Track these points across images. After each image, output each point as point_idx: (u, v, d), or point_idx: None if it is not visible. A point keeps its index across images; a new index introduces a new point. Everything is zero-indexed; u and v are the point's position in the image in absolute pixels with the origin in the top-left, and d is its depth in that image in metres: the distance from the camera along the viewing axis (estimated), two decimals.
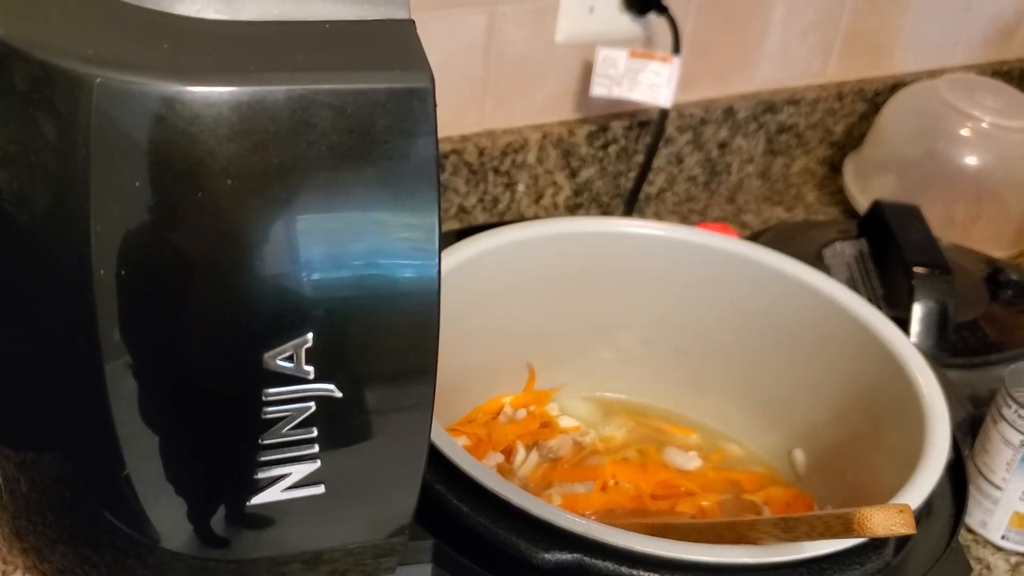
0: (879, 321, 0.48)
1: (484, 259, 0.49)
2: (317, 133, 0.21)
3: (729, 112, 0.81)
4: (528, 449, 0.51)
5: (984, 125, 0.78)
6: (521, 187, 0.74)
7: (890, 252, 0.65)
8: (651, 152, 0.75)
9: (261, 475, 0.24)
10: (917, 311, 0.61)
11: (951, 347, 0.61)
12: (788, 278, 0.51)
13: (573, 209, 0.77)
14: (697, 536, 0.38)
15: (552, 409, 0.54)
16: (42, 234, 0.22)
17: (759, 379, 0.53)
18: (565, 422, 0.53)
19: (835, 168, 0.90)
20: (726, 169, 0.84)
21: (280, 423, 0.23)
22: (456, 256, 0.48)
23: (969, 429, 0.52)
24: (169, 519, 0.25)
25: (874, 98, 0.89)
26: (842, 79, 0.88)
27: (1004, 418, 0.51)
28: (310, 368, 0.23)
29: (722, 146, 0.83)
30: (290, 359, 0.23)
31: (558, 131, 0.73)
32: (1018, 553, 0.53)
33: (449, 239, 0.50)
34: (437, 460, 0.37)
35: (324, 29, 0.22)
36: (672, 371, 0.55)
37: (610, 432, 0.53)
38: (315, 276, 0.22)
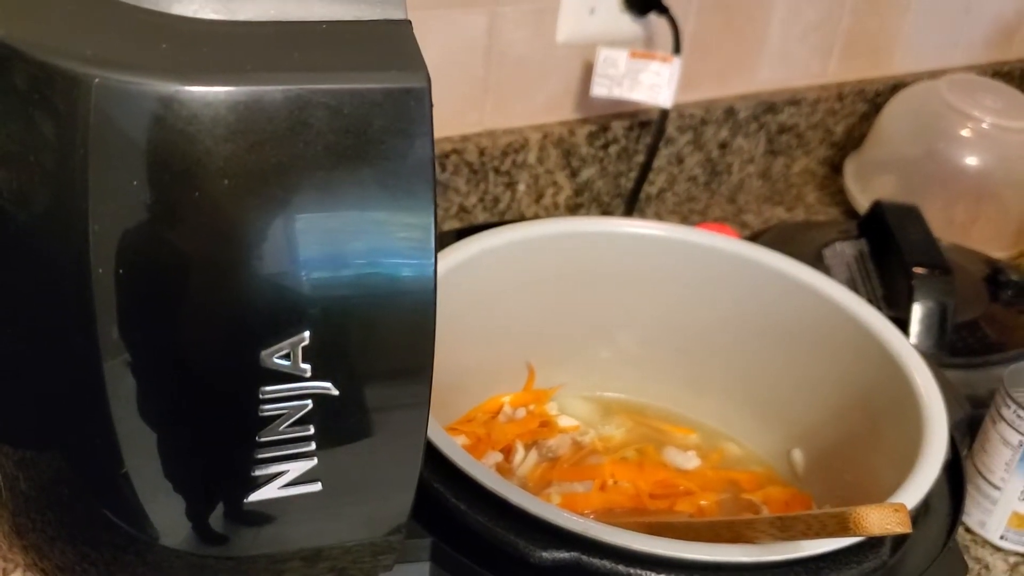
0: (878, 321, 0.48)
1: (484, 258, 0.50)
2: (314, 133, 0.21)
3: (730, 112, 0.81)
4: (527, 448, 0.51)
5: (984, 126, 0.78)
6: (522, 187, 0.74)
7: (890, 252, 0.65)
8: (651, 152, 0.75)
9: (258, 472, 0.24)
10: (917, 311, 0.61)
11: (951, 347, 0.61)
12: (788, 278, 0.51)
13: (574, 209, 0.77)
14: (694, 535, 0.38)
15: (551, 408, 0.54)
16: (41, 233, 0.22)
17: (758, 379, 0.53)
18: (564, 421, 0.53)
19: (836, 168, 0.90)
20: (727, 169, 0.84)
21: (277, 421, 0.24)
22: (456, 255, 0.48)
23: (968, 429, 0.52)
24: (168, 516, 0.25)
25: (875, 98, 0.89)
26: (843, 79, 0.88)
27: (1003, 418, 0.51)
28: (307, 366, 0.23)
29: (723, 146, 0.83)
30: (287, 357, 0.23)
31: (559, 131, 0.73)
32: (1017, 553, 0.53)
33: (449, 238, 0.50)
34: (436, 459, 0.37)
35: (321, 29, 0.22)
36: (671, 371, 0.55)
37: (609, 431, 0.53)
38: (312, 275, 0.22)
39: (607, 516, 0.47)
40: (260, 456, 0.24)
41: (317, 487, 0.25)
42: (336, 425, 0.24)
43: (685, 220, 0.81)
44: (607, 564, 0.34)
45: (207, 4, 0.22)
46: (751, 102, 0.82)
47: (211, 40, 0.21)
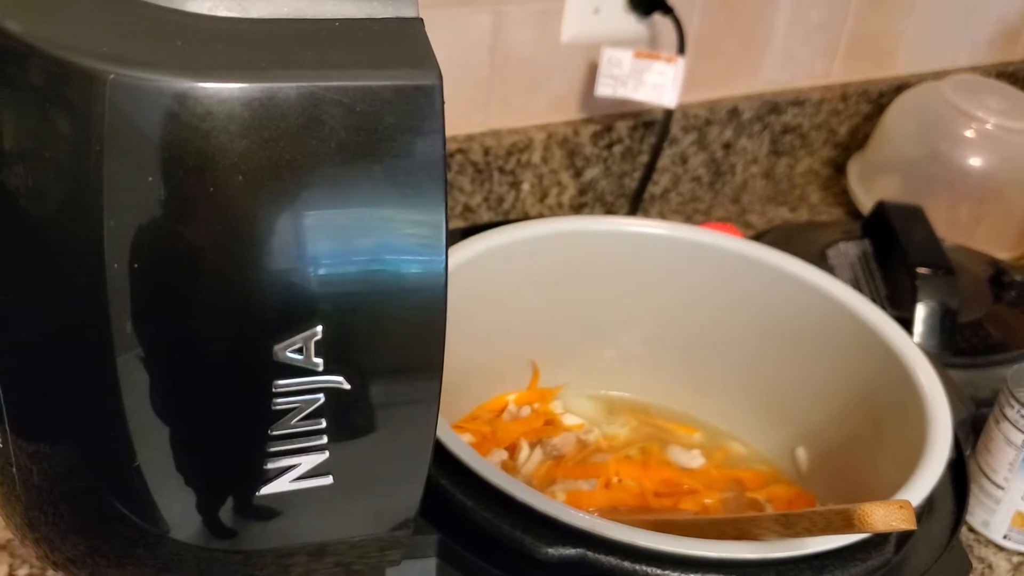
0: (882, 321, 0.48)
1: (488, 257, 0.50)
2: (327, 130, 0.21)
3: (734, 113, 0.81)
4: (532, 446, 0.51)
5: (988, 126, 0.79)
6: (526, 186, 0.74)
7: (894, 253, 0.65)
8: (656, 152, 0.75)
9: (270, 465, 0.24)
10: (920, 311, 0.61)
11: (954, 347, 0.61)
12: (792, 278, 0.51)
13: (578, 208, 0.78)
14: (699, 532, 0.38)
15: (556, 407, 0.54)
16: (56, 228, 0.22)
17: (762, 378, 0.53)
18: (569, 420, 0.54)
19: (839, 169, 0.90)
20: (730, 169, 0.85)
21: (289, 414, 0.24)
22: (461, 254, 0.48)
23: (971, 429, 0.52)
24: (179, 510, 0.25)
25: (878, 99, 0.89)
26: (847, 80, 0.88)
27: (1007, 418, 0.51)
28: (319, 360, 0.23)
29: (726, 146, 0.83)
30: (300, 351, 0.23)
31: (563, 131, 0.73)
32: (1020, 553, 0.53)
33: (454, 237, 0.50)
34: (442, 456, 0.37)
35: (334, 27, 0.23)
36: (675, 370, 0.55)
37: (613, 430, 0.54)
38: (324, 270, 0.22)
39: (611, 514, 0.47)
40: (272, 449, 0.24)
41: (328, 480, 0.25)
42: (347, 419, 0.24)
43: (689, 220, 0.81)
44: (613, 560, 0.35)
45: (222, 2, 0.22)
46: (755, 102, 0.82)
47: (225, 37, 0.22)
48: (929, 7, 0.89)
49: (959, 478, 0.43)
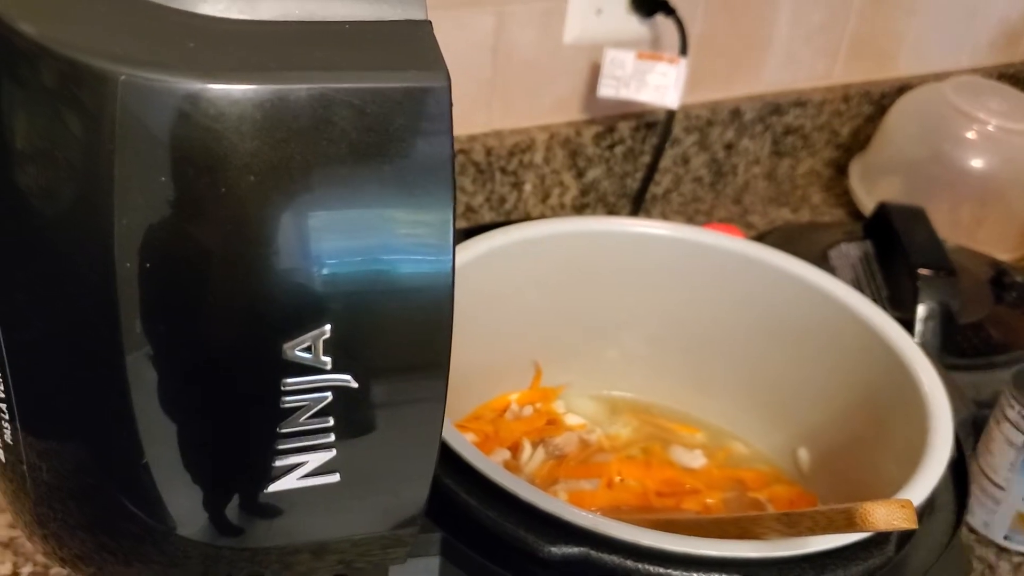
0: (883, 321, 0.48)
1: (491, 258, 0.50)
2: (337, 131, 0.22)
3: (736, 113, 0.82)
4: (534, 446, 0.51)
5: (990, 128, 0.79)
6: (528, 187, 0.74)
7: (895, 254, 0.66)
8: (657, 153, 0.75)
9: (278, 463, 0.25)
10: (921, 312, 0.61)
11: (955, 348, 0.61)
12: (793, 279, 0.51)
13: (580, 209, 0.78)
14: (701, 531, 0.38)
15: (558, 407, 0.55)
16: (68, 228, 0.22)
17: (764, 378, 0.53)
18: (571, 420, 0.54)
19: (841, 170, 0.90)
20: (732, 170, 0.85)
21: (298, 412, 0.24)
22: (463, 254, 0.49)
23: (972, 429, 0.52)
24: (186, 507, 0.25)
25: (880, 100, 0.90)
26: (848, 81, 0.89)
27: (1008, 419, 0.51)
28: (328, 359, 0.23)
29: (728, 147, 0.83)
30: (308, 350, 0.23)
31: (565, 131, 0.73)
32: (1021, 553, 0.53)
33: (456, 238, 0.50)
34: (446, 454, 0.37)
35: (344, 29, 0.23)
36: (677, 370, 0.55)
37: (616, 430, 0.54)
38: (333, 270, 0.23)
39: (614, 513, 0.47)
40: (280, 447, 0.24)
41: (335, 478, 0.25)
42: (355, 417, 0.25)
43: (691, 221, 0.81)
44: (615, 559, 0.35)
45: (233, 4, 0.22)
46: (757, 103, 0.82)
47: (237, 39, 0.22)
48: (931, 9, 0.89)
49: (960, 478, 0.43)
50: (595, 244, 0.53)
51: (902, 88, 0.89)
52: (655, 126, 0.77)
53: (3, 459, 0.26)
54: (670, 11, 0.71)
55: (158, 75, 0.21)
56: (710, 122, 0.80)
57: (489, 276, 0.50)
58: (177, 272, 0.22)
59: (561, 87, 0.73)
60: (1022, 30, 0.97)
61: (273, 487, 0.25)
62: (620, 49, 0.71)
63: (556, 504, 0.36)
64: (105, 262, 0.22)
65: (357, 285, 0.23)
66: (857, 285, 0.64)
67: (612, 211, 0.79)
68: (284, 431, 0.24)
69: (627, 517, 0.38)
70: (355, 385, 0.24)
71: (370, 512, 0.27)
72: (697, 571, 0.35)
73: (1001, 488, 0.52)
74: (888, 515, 0.31)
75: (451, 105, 0.23)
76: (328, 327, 0.23)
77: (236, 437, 0.25)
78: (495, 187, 0.72)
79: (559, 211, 0.76)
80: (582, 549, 0.35)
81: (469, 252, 0.49)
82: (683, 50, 0.71)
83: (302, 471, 0.25)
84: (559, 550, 0.35)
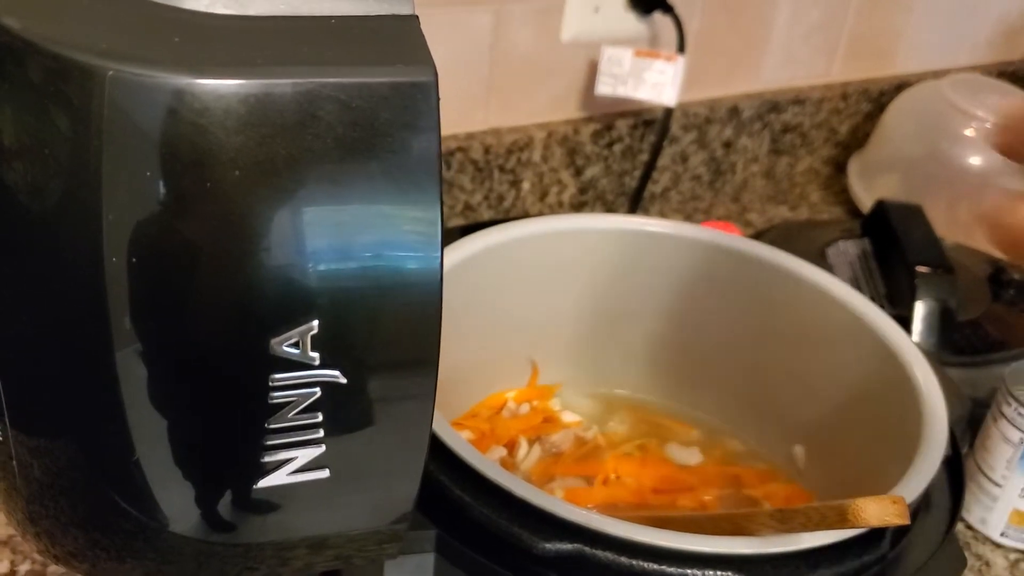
0: (880, 319, 0.48)
1: (488, 255, 0.50)
2: (323, 126, 0.22)
3: (734, 111, 0.82)
4: (531, 443, 0.51)
5: (988, 126, 0.79)
6: (526, 185, 0.74)
7: (893, 251, 0.65)
8: (656, 151, 0.75)
9: (267, 459, 0.25)
10: (919, 310, 0.61)
11: (953, 346, 0.61)
12: (791, 276, 0.51)
13: (578, 207, 0.78)
14: (695, 528, 0.38)
15: (554, 404, 0.55)
16: (55, 223, 0.22)
17: (760, 376, 0.53)
18: (567, 417, 0.54)
19: (839, 168, 0.90)
20: (730, 168, 0.85)
21: (286, 408, 0.24)
22: (461, 252, 0.49)
23: (969, 426, 0.52)
24: (178, 503, 0.25)
25: (879, 98, 0.89)
26: (847, 79, 0.89)
27: (1004, 416, 0.51)
28: (316, 354, 0.23)
29: (727, 145, 0.83)
30: (296, 345, 0.23)
31: (563, 129, 0.73)
32: (1017, 550, 0.53)
33: (454, 235, 0.50)
34: (441, 452, 0.37)
35: (330, 24, 0.23)
36: (674, 368, 0.55)
37: (612, 427, 0.54)
38: (320, 265, 0.23)
39: (609, 510, 0.47)
40: (269, 443, 0.24)
41: (325, 474, 0.25)
42: (344, 413, 0.25)
43: (689, 219, 0.81)
44: (609, 555, 0.35)
45: None
46: (755, 101, 0.82)
47: (223, 34, 0.22)
48: (929, 6, 0.89)
49: (955, 475, 0.43)
50: (593, 242, 0.53)
51: (900, 86, 0.89)
52: (653, 124, 0.77)
53: None
54: (668, 9, 0.71)
55: (145, 70, 0.21)
56: (708, 120, 0.80)
57: (486, 274, 0.50)
58: (165, 268, 0.22)
59: (559, 85, 0.73)
60: (1020, 27, 0.97)
61: (263, 483, 0.25)
62: (618, 47, 0.71)
63: (550, 501, 0.36)
64: (93, 258, 0.22)
65: (344, 281, 0.23)
66: (855, 283, 0.64)
67: (610, 209, 0.79)
68: (273, 427, 0.24)
69: (623, 514, 0.38)
70: (343, 381, 0.24)
71: (361, 508, 0.27)
72: (691, 567, 0.34)
73: (998, 485, 0.52)
74: (880, 511, 0.31)
75: (438, 100, 0.23)
76: (316, 323, 0.23)
77: (226, 433, 0.25)
78: (493, 185, 0.72)
79: (557, 209, 0.76)
80: (576, 546, 0.35)
81: (466, 250, 0.49)
82: (681, 48, 0.71)
83: (292, 467, 0.25)
84: (553, 547, 0.35)
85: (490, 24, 0.68)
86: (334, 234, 0.23)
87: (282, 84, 0.21)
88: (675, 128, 0.78)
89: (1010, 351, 0.61)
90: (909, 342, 0.47)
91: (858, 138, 0.90)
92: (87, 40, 0.21)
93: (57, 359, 0.24)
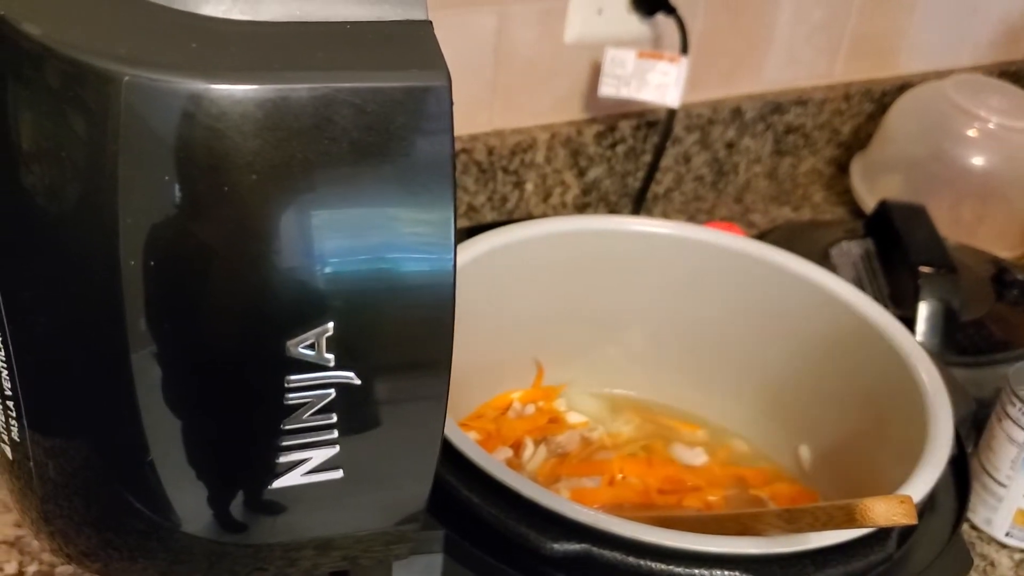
0: (884, 319, 0.49)
1: (493, 257, 0.50)
2: (339, 130, 0.22)
3: (737, 112, 0.82)
4: (536, 444, 0.51)
5: (991, 126, 0.79)
6: (530, 186, 0.74)
7: (896, 252, 0.66)
8: (659, 152, 0.76)
9: (282, 460, 0.25)
10: (922, 310, 0.61)
11: (956, 346, 0.61)
12: (795, 277, 0.51)
13: (581, 208, 0.78)
14: (702, 528, 0.38)
15: (560, 405, 0.55)
16: (73, 227, 0.22)
17: (765, 376, 0.53)
18: (573, 418, 0.54)
19: (842, 168, 0.91)
20: (733, 169, 0.85)
21: (301, 409, 0.24)
22: (465, 253, 0.49)
23: (973, 426, 0.52)
24: (191, 503, 0.26)
25: (881, 99, 0.90)
26: (849, 80, 0.89)
27: (1008, 416, 0.51)
28: (330, 356, 0.24)
29: (729, 146, 0.83)
30: (311, 347, 0.23)
31: (566, 131, 0.74)
32: (1022, 550, 0.53)
33: (458, 237, 0.50)
34: (448, 452, 0.37)
35: (345, 29, 0.23)
36: (679, 368, 0.56)
37: (617, 428, 0.54)
38: (335, 268, 0.23)
39: (615, 511, 0.47)
40: (284, 444, 0.25)
41: (339, 474, 0.26)
42: (358, 414, 0.25)
43: (692, 219, 0.82)
44: (617, 556, 0.35)
45: (235, 5, 0.22)
46: (758, 102, 0.83)
47: (239, 40, 0.22)
48: (931, 6, 0.89)
49: (961, 475, 0.43)
50: (597, 243, 0.53)
51: (903, 86, 0.89)
52: (656, 125, 0.77)
53: (10, 456, 0.26)
54: (671, 10, 0.71)
55: (161, 75, 0.21)
56: (711, 121, 0.80)
57: (491, 275, 0.50)
58: (181, 270, 0.22)
59: (562, 86, 0.73)
60: (1022, 28, 0.97)
61: (277, 483, 0.25)
62: (621, 48, 0.71)
63: (558, 501, 0.36)
64: (110, 261, 0.22)
65: (359, 283, 0.23)
66: (858, 283, 0.64)
67: (614, 210, 0.79)
68: (288, 428, 0.24)
69: (629, 514, 0.38)
70: (358, 382, 0.24)
71: (372, 508, 0.28)
72: (698, 567, 0.35)
73: (1003, 485, 0.52)
74: (887, 511, 0.31)
75: (451, 104, 0.23)
76: (331, 324, 0.23)
77: (240, 434, 0.25)
78: (497, 187, 0.72)
79: (561, 210, 0.77)
80: (584, 546, 0.35)
81: (471, 251, 0.49)
82: (684, 49, 0.71)
83: (306, 467, 0.25)
84: (561, 547, 0.35)
85: (494, 26, 0.68)
86: (349, 236, 0.23)
87: (298, 89, 0.22)
88: (678, 129, 0.78)
89: (1014, 351, 0.61)
90: (914, 342, 0.47)
91: (861, 139, 0.90)
92: (104, 45, 0.21)
93: (74, 360, 0.24)
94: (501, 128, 0.72)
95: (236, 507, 0.26)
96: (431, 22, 0.24)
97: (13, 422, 0.25)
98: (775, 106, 0.84)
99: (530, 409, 0.54)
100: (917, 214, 0.69)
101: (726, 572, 0.35)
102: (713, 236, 0.53)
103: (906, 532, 0.38)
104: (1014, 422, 0.51)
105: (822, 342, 0.51)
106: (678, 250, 0.53)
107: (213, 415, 0.24)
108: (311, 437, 0.25)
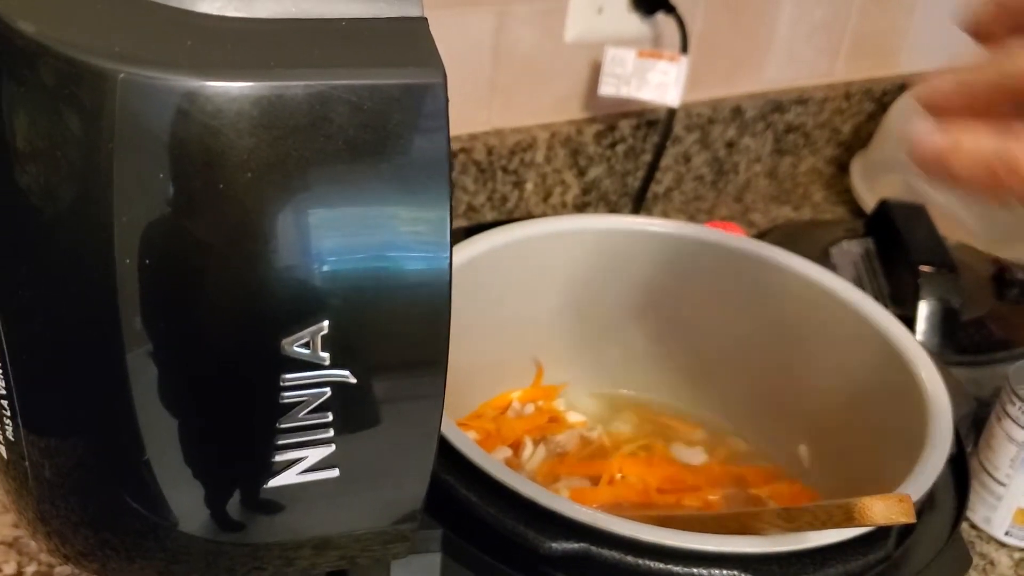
0: (884, 318, 0.48)
1: (492, 256, 0.50)
2: (334, 127, 0.22)
3: (737, 111, 0.82)
4: (536, 443, 0.51)
5: None
6: (529, 186, 0.74)
7: (896, 251, 0.66)
8: (659, 151, 0.75)
9: (278, 458, 0.25)
10: (923, 309, 0.61)
11: (956, 345, 0.61)
12: (795, 276, 0.51)
13: (581, 208, 0.78)
14: (701, 527, 0.38)
15: (559, 404, 0.55)
16: (67, 225, 0.22)
17: (765, 375, 0.53)
18: (572, 417, 0.54)
19: (843, 167, 0.91)
20: (733, 168, 0.85)
21: (297, 408, 0.24)
22: (465, 253, 0.49)
23: (973, 425, 0.52)
24: (188, 503, 0.26)
25: (882, 98, 0.90)
26: (850, 79, 0.89)
27: (1008, 415, 0.51)
28: (326, 354, 0.24)
29: (730, 145, 0.83)
30: (307, 346, 0.23)
31: (566, 130, 0.74)
32: (1021, 549, 0.53)
33: (458, 236, 0.50)
34: (447, 452, 0.37)
35: (340, 27, 0.23)
36: (678, 367, 0.55)
37: (617, 427, 0.54)
38: (331, 266, 0.23)
39: (615, 510, 0.47)
40: (280, 442, 0.25)
41: (335, 473, 0.26)
42: (354, 413, 0.25)
43: (692, 219, 0.81)
44: (615, 555, 0.35)
45: (230, 2, 0.22)
46: (758, 101, 0.82)
47: (235, 37, 0.22)
48: (932, 5, 0.89)
49: (960, 474, 0.43)
50: (596, 242, 0.53)
51: (903, 85, 0.89)
52: (656, 124, 0.77)
53: (5, 456, 0.26)
54: (671, 9, 0.71)
55: (156, 73, 0.21)
56: (711, 120, 0.80)
57: (491, 275, 0.50)
58: (176, 269, 0.22)
59: (562, 86, 0.73)
60: None
61: (273, 482, 0.25)
62: (621, 47, 0.71)
63: (556, 500, 0.36)
64: (105, 259, 0.22)
65: (355, 281, 0.23)
66: (858, 282, 0.64)
67: (614, 209, 0.79)
68: (283, 426, 0.24)
69: (628, 514, 0.38)
70: (353, 381, 0.24)
71: (370, 507, 0.28)
72: (696, 566, 0.35)
73: (1002, 484, 0.52)
74: (886, 510, 0.31)
75: (447, 101, 0.23)
76: (326, 323, 0.23)
77: (236, 432, 0.25)
78: (496, 186, 0.72)
79: (560, 210, 0.77)
80: (582, 545, 0.35)
81: (470, 251, 0.49)
82: (684, 48, 0.71)
83: (302, 466, 0.25)
84: (560, 546, 0.35)
85: (493, 25, 0.68)
86: (344, 235, 0.23)
87: (294, 86, 0.21)
88: (678, 128, 0.78)
89: (1014, 350, 0.61)
90: (913, 341, 0.47)
91: (861, 138, 0.90)
92: (99, 43, 0.21)
93: (69, 359, 0.24)
94: (501, 127, 0.72)
95: (233, 506, 0.26)
96: (427, 19, 0.24)
97: (8, 421, 0.25)
98: (775, 105, 0.84)
99: (529, 409, 0.54)
100: (917, 213, 0.69)
101: (725, 571, 0.35)
102: (713, 236, 0.53)
103: (905, 531, 0.38)
104: (1014, 421, 0.51)
105: (822, 341, 0.51)
106: (678, 250, 0.53)
107: (209, 414, 0.24)
108: (307, 436, 0.25)
